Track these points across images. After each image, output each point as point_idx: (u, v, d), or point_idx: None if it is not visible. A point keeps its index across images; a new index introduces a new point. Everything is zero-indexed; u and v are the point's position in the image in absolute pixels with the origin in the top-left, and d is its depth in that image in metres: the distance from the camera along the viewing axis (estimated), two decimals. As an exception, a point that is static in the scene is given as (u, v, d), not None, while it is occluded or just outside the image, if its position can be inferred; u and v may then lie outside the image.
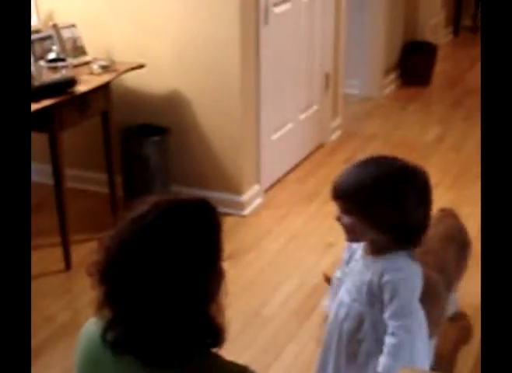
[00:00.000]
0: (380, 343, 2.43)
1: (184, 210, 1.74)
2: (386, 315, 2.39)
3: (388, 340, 2.38)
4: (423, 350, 2.53)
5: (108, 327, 1.73)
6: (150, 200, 1.75)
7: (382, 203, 2.29)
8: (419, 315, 2.50)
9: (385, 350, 2.39)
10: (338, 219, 2.40)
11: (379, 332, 2.44)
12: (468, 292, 3.69)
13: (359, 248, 2.52)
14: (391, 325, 2.38)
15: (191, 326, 1.70)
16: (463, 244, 3.46)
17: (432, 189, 2.39)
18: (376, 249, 2.42)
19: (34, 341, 3.52)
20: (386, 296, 2.37)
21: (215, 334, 1.74)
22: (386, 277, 2.36)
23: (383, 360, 2.39)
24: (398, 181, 2.32)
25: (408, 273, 2.39)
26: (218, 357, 1.76)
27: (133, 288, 1.67)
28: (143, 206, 1.73)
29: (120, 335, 1.71)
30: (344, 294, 2.53)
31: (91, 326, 1.81)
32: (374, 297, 2.42)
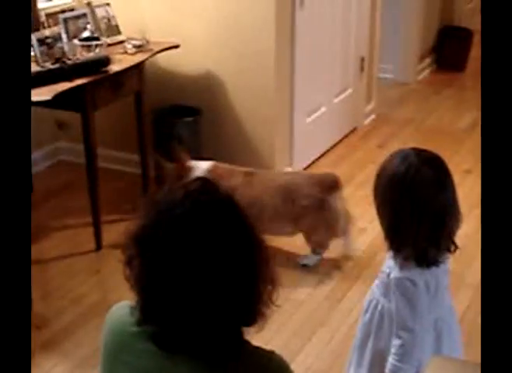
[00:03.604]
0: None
1: (215, 199, 1.60)
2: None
3: (394, 342, 2.34)
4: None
5: (144, 318, 1.62)
6: (179, 188, 1.62)
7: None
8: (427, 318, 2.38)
9: (392, 350, 2.34)
10: None
11: (391, 328, 2.39)
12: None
13: None
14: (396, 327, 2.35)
15: (233, 321, 1.60)
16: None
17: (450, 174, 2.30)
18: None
19: (64, 321, 3.54)
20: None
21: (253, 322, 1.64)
22: (392, 274, 2.32)
23: (390, 360, 2.34)
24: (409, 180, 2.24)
25: (408, 275, 2.30)
26: (245, 343, 1.65)
27: (167, 283, 1.55)
28: (172, 194, 1.61)
29: (165, 332, 1.59)
30: (374, 286, 2.51)
31: (119, 310, 1.73)
32: (387, 288, 2.38)
